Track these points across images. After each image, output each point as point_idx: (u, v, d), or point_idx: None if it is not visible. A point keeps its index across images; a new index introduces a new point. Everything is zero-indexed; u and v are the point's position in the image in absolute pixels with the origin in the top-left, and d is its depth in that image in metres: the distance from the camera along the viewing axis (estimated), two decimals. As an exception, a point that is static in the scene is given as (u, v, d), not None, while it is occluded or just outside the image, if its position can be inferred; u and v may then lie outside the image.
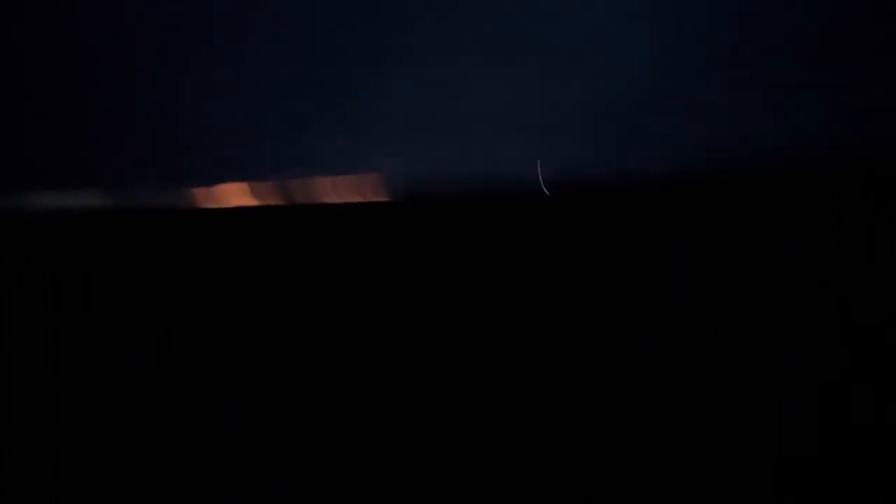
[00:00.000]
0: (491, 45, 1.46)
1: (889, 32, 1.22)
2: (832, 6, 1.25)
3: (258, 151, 1.72)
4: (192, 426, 1.93)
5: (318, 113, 1.65)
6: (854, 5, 1.24)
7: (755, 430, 1.62)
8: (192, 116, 1.65)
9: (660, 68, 1.35)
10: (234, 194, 2.03)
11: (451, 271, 2.04)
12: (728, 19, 1.30)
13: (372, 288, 2.12)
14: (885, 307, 1.63)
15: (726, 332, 1.84)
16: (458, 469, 1.72)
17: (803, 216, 1.67)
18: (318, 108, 1.65)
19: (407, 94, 1.56)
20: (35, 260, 2.02)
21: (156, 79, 1.58)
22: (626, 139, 1.44)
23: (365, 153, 1.70)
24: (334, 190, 1.94)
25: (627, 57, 1.37)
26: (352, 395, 2.07)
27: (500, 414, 1.91)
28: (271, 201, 2.01)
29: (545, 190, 1.61)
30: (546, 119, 1.49)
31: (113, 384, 2.09)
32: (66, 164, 1.73)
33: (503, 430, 1.83)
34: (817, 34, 1.25)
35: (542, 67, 1.43)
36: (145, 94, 1.57)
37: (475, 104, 1.53)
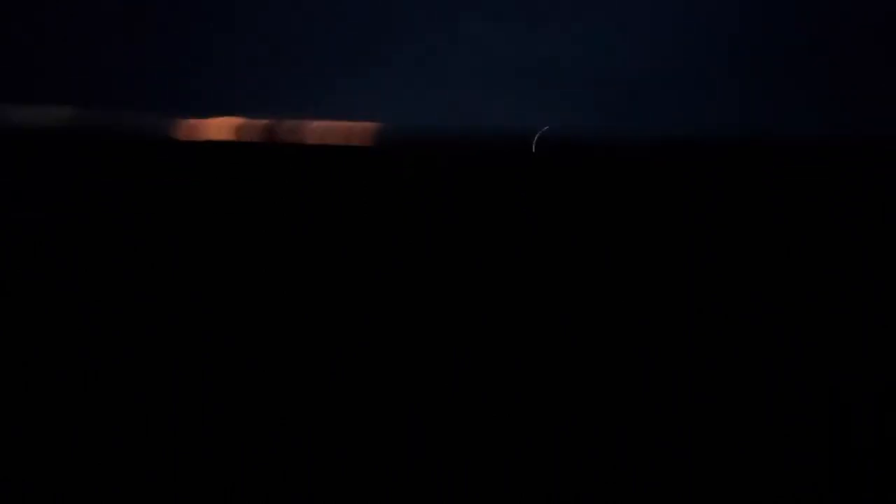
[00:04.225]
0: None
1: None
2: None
3: (250, 89, 1.74)
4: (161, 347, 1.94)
5: (318, 57, 1.69)
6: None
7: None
8: (189, 48, 1.65)
9: (660, 41, 1.44)
10: (223, 129, 2.06)
11: (434, 219, 2.12)
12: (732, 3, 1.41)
13: (353, 236, 2.19)
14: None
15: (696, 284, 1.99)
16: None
17: (786, 184, 1.83)
18: (317, 51, 1.68)
19: (410, 48, 1.61)
20: (20, 175, 2.02)
21: (156, 9, 1.58)
22: (623, 102, 1.53)
23: (362, 100, 1.74)
24: (325, 134, 1.99)
25: (630, 24, 1.46)
26: (323, 329, 2.12)
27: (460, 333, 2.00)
28: (258, 139, 2.04)
29: (534, 147, 1.70)
30: (544, 77, 1.57)
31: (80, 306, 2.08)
32: (51, 83, 1.72)
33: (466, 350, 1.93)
34: (809, 30, 1.38)
35: (544, 27, 1.50)
36: (145, 22, 1.58)
37: (474, 60, 1.60)
